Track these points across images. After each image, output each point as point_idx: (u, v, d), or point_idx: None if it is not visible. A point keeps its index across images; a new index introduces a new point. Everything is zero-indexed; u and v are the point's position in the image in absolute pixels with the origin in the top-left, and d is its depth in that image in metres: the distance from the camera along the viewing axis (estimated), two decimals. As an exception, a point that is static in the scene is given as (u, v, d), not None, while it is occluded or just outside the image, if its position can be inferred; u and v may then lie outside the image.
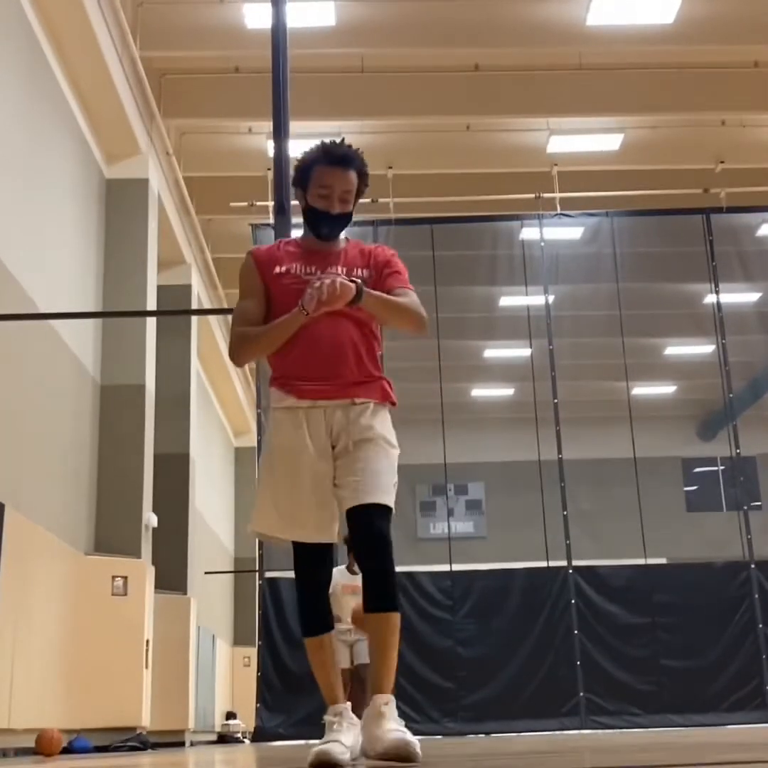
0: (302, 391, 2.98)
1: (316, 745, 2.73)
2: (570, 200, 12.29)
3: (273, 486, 2.95)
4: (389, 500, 2.90)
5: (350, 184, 3.08)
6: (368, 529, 2.87)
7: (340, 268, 3.05)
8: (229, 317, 4.55)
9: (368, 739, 2.74)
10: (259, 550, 10.48)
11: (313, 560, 2.97)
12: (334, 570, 6.54)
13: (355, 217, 3.25)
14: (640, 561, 11.24)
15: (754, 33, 10.23)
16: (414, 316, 3.01)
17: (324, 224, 3.08)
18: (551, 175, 12.28)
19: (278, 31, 4.78)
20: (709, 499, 17.57)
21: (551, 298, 12.07)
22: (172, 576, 10.83)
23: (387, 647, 2.82)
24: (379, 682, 2.81)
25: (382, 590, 2.83)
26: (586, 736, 8.44)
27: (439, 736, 9.80)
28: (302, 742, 5.39)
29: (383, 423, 3.00)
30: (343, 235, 3.19)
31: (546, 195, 12.15)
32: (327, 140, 3.11)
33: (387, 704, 2.75)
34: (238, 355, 3.04)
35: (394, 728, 2.68)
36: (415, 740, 2.64)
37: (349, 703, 2.92)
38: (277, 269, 3.06)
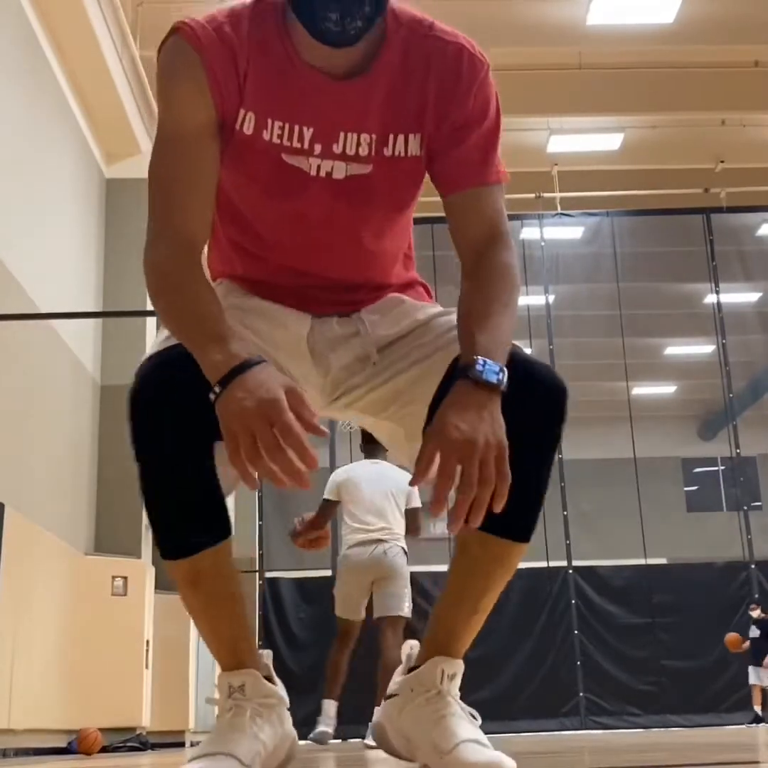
0: (271, 293, 1.62)
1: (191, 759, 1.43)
2: (570, 200, 12.28)
3: None
4: None
5: None
6: (541, 377, 1.50)
7: (368, 138, 1.52)
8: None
9: (416, 738, 1.53)
10: (259, 550, 10.46)
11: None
12: (355, 465, 5.95)
13: None
14: (641, 561, 11.24)
15: (755, 33, 10.22)
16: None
17: None
18: (551, 175, 12.27)
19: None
20: (710, 499, 17.58)
21: (551, 298, 12.06)
22: (172, 576, 10.81)
23: (486, 592, 1.55)
24: (446, 636, 1.55)
25: (524, 502, 1.51)
26: (586, 736, 8.44)
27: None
28: (301, 742, 5.37)
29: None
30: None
31: (546, 195, 12.13)
32: None
33: (453, 678, 1.55)
34: (159, 309, 1.52)
35: (469, 737, 1.46)
36: (511, 763, 1.41)
37: (254, 674, 1.51)
38: (240, 116, 1.50)
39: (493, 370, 1.40)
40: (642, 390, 15.86)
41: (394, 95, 1.52)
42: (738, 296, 13.16)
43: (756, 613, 10.64)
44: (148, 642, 8.49)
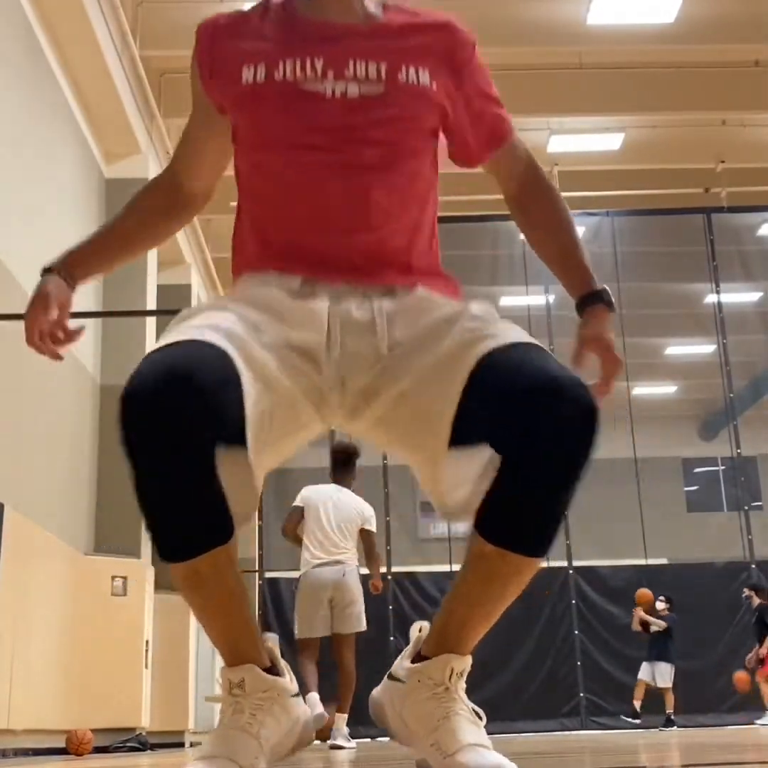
0: (291, 263, 1.64)
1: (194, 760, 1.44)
2: (570, 199, 12.05)
3: None
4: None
5: None
6: (558, 394, 1.39)
7: (377, 65, 1.58)
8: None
9: (418, 732, 1.53)
10: (259, 550, 10.47)
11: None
12: (323, 487, 6.46)
13: None
14: (641, 561, 11.23)
15: (755, 32, 10.21)
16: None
17: None
18: (552, 175, 12.26)
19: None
20: (710, 499, 17.55)
21: (552, 298, 12.06)
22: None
23: (502, 599, 1.54)
24: (457, 634, 1.57)
25: (538, 522, 1.47)
26: (587, 736, 8.43)
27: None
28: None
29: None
30: None
31: (546, 195, 12.12)
32: None
33: (461, 675, 1.56)
34: None
35: (473, 742, 1.45)
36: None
37: (253, 669, 1.51)
38: (246, 74, 1.59)
39: (611, 296, 1.71)
40: (642, 390, 15.85)
41: (403, 37, 1.63)
42: (738, 296, 13.16)
43: (661, 606, 10.49)
44: (147, 642, 8.49)
